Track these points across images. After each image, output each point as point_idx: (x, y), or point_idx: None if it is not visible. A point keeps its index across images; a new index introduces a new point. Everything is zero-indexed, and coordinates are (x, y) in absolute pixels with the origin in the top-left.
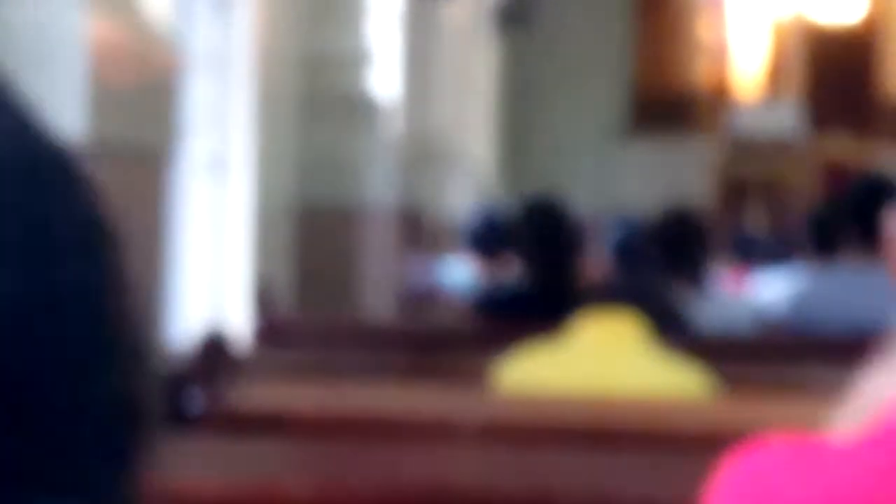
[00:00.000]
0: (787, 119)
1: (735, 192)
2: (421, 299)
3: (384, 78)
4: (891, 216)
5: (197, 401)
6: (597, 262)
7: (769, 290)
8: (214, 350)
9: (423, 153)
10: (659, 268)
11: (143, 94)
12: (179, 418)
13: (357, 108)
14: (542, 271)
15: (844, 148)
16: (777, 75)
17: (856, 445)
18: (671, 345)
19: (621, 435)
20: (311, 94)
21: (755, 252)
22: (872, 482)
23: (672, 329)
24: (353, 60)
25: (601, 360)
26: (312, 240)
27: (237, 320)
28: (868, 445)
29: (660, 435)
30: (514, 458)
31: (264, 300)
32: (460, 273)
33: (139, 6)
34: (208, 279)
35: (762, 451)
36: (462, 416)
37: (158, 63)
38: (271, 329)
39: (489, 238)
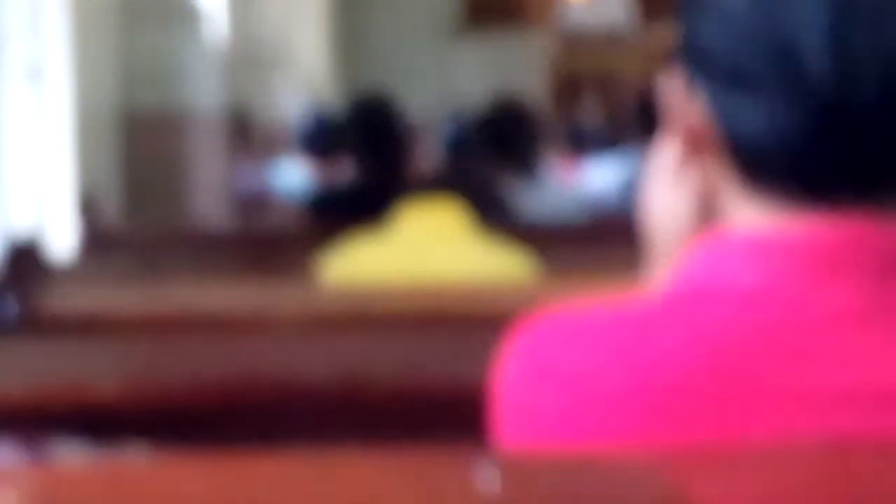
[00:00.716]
0: (617, 10)
1: (569, 85)
2: (252, 204)
3: None
4: (664, 83)
5: (10, 307)
6: (429, 157)
7: (601, 178)
8: (27, 257)
9: (251, 56)
10: (487, 159)
11: None
12: None
13: (179, 12)
14: (374, 170)
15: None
16: None
17: (647, 309)
18: (495, 231)
19: (442, 319)
20: None
21: (587, 142)
22: (670, 333)
23: (496, 216)
24: None
25: (424, 249)
26: (138, 147)
27: (61, 229)
28: (662, 299)
29: (481, 318)
30: (333, 348)
31: (89, 209)
32: (293, 176)
33: None
34: (30, 189)
35: (553, 320)
36: (282, 309)
37: None
38: (96, 237)
39: (321, 139)
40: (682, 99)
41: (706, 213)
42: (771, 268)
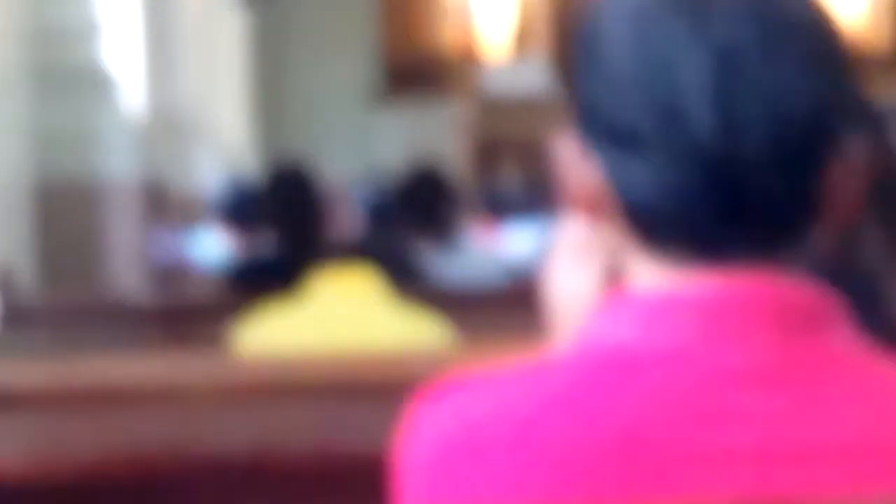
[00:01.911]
0: (536, 78)
1: (489, 150)
2: (170, 274)
3: (121, 49)
4: (559, 144)
5: None
6: (348, 226)
7: (520, 243)
8: None
9: (169, 124)
10: (405, 226)
11: None
12: None
13: (91, 81)
14: (292, 240)
15: None
16: (524, 35)
17: (551, 375)
18: (411, 298)
19: (355, 388)
20: (43, 68)
21: (507, 207)
22: (570, 394)
23: (412, 283)
24: (84, 32)
25: (338, 317)
26: (53, 218)
27: None
28: (564, 362)
29: (395, 386)
30: (245, 418)
31: (3, 282)
32: (211, 246)
33: None
34: None
35: (456, 388)
36: (195, 381)
37: None
38: (11, 311)
39: (239, 209)
40: (575, 161)
41: (612, 277)
42: (669, 329)
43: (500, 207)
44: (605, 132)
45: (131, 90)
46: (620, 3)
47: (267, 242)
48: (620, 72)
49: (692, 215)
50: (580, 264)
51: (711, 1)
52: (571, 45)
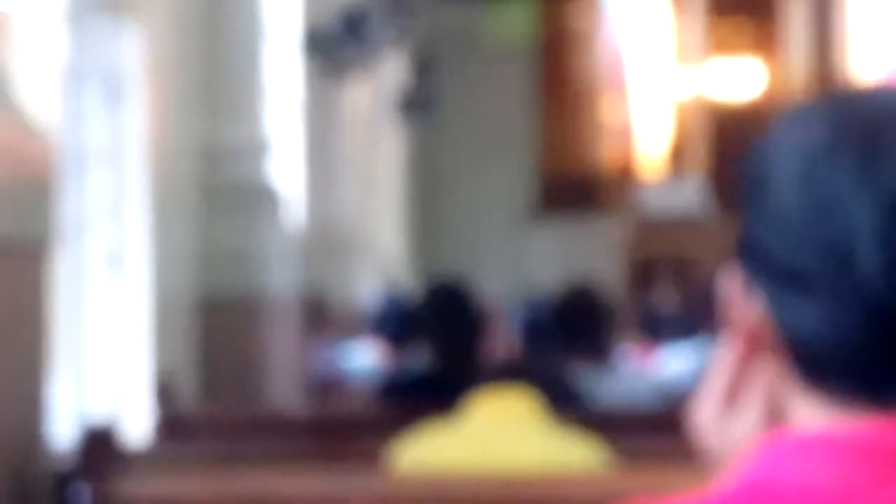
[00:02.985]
0: (692, 196)
1: (644, 269)
2: (326, 387)
3: (285, 167)
4: (724, 278)
5: (83, 496)
6: (502, 342)
7: (676, 364)
8: (102, 445)
9: (327, 241)
10: (560, 345)
11: (20, 189)
12: None
13: (257, 198)
14: (447, 355)
15: None
16: (680, 154)
17: (708, 502)
18: (566, 420)
19: None
20: (210, 185)
21: (663, 327)
22: None
23: (568, 405)
24: (252, 150)
25: (494, 438)
26: (215, 331)
27: (138, 415)
28: (722, 501)
29: None
30: None
31: (165, 394)
32: (366, 359)
33: (17, 102)
34: (108, 373)
35: None
36: (355, 498)
37: (35, 158)
38: (172, 422)
39: (395, 323)
40: (740, 298)
41: (772, 415)
42: (835, 468)
43: (655, 327)
44: (770, 270)
45: (293, 206)
46: (789, 141)
47: (421, 357)
48: (788, 212)
49: (856, 356)
50: (735, 403)
51: (880, 141)
52: (739, 181)
